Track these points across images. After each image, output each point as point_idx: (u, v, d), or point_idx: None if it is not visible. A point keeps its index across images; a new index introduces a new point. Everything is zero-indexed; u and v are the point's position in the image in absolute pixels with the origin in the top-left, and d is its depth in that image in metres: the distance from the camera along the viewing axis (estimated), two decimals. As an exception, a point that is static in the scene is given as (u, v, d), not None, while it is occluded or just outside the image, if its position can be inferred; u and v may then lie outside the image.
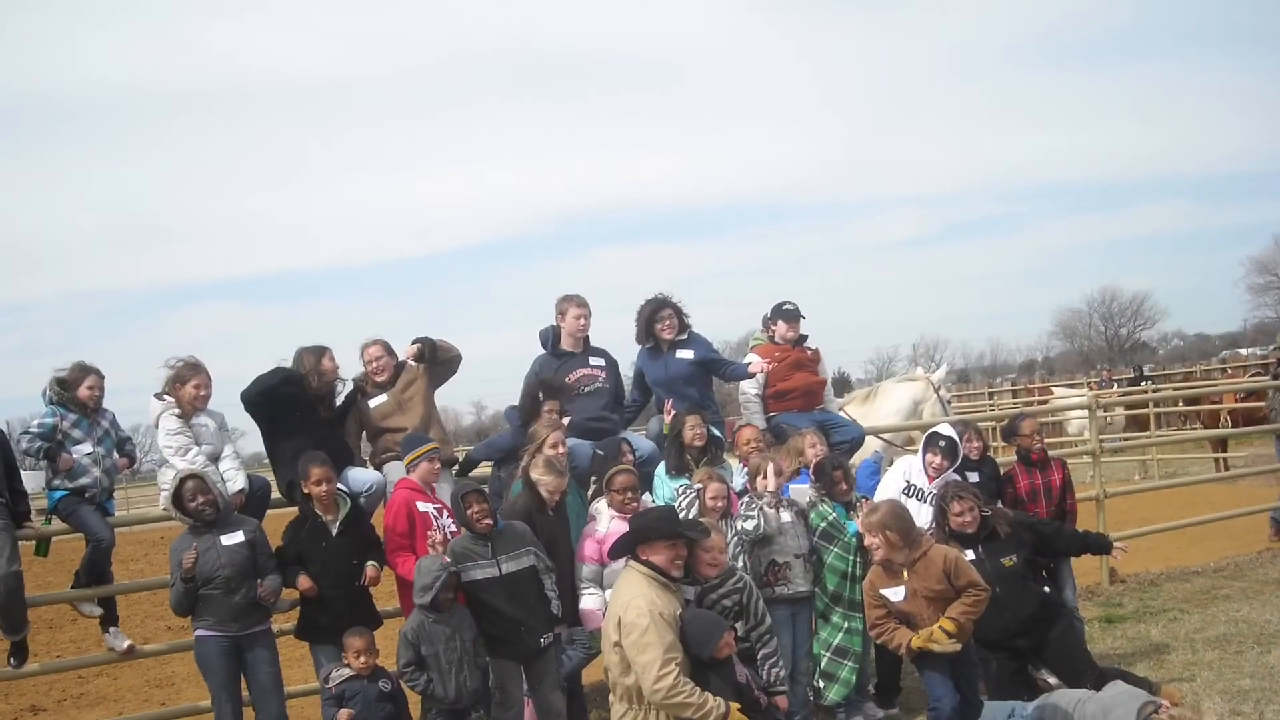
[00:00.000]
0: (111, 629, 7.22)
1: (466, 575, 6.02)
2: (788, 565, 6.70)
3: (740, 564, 6.45)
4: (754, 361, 8.37)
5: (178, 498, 6.22)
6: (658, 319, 8.18)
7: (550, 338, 8.03)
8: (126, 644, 7.17)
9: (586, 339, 8.06)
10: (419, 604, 5.91)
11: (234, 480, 6.85)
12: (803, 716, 6.57)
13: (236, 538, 6.28)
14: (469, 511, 6.10)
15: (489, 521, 6.11)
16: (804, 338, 8.65)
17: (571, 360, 7.95)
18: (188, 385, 6.89)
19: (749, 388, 8.51)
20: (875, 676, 7.21)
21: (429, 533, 6.33)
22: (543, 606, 6.16)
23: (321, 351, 7.24)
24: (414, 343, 7.55)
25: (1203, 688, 6.80)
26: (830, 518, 6.91)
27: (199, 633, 6.24)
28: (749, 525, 6.59)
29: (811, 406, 8.52)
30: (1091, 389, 26.47)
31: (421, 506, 6.53)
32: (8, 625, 6.63)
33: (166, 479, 6.61)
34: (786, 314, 8.59)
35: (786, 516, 6.78)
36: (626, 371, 8.67)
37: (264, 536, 6.45)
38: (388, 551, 6.53)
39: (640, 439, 7.89)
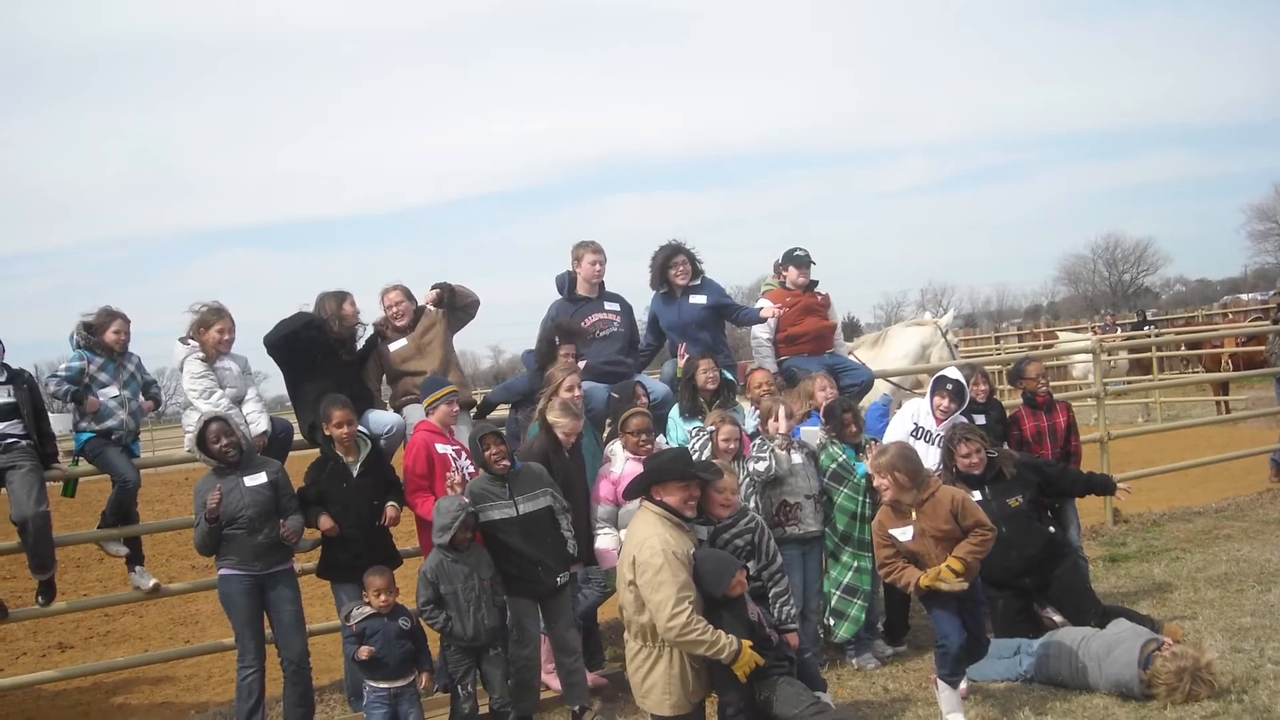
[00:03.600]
0: (137, 568, 7.36)
1: (484, 515, 6.11)
2: (798, 506, 6.80)
3: (752, 504, 6.55)
4: (765, 307, 8.43)
5: (202, 440, 6.28)
6: (671, 265, 8.23)
7: (566, 283, 8.08)
8: (152, 583, 7.31)
9: (602, 284, 8.12)
10: (438, 543, 5.98)
11: (257, 423, 6.93)
12: (813, 654, 6.68)
13: (259, 479, 6.32)
14: (487, 453, 6.16)
15: (506, 463, 6.18)
16: (814, 283, 8.70)
17: (587, 305, 8.01)
18: (211, 330, 6.96)
19: (761, 332, 8.57)
20: (884, 615, 7.35)
21: (447, 474, 6.41)
22: (559, 546, 6.25)
23: (342, 297, 7.29)
24: (433, 288, 7.61)
25: (1205, 625, 6.95)
26: (840, 459, 7.02)
27: (222, 571, 6.31)
28: (761, 466, 6.68)
29: (822, 350, 8.58)
30: (1095, 334, 26.50)
31: (440, 448, 6.61)
32: (36, 564, 6.74)
33: (191, 422, 6.70)
34: (797, 260, 8.65)
35: (797, 458, 6.86)
36: (641, 316, 8.72)
37: (286, 478, 6.51)
38: (407, 492, 6.63)
39: (654, 382, 7.96)
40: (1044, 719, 5.72)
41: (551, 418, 6.57)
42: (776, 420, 6.84)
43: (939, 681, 5.91)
